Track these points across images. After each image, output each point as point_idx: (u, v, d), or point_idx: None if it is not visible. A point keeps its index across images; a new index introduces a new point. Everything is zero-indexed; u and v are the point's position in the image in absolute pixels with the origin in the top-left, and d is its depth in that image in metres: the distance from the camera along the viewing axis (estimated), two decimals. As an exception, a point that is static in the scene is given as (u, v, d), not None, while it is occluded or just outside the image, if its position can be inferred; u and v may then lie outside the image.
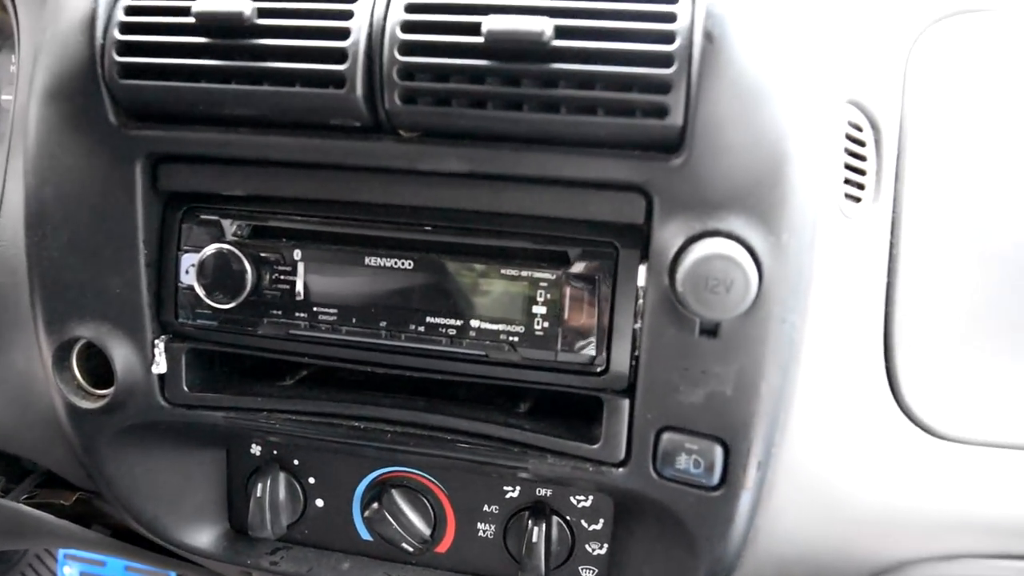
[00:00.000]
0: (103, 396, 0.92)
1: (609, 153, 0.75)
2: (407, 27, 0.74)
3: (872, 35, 0.85)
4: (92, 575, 2.00)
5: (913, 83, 0.85)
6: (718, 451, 0.78)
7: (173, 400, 0.91)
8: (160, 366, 0.90)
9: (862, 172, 0.82)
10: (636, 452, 0.81)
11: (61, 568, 2.02)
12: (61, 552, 2.02)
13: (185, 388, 0.91)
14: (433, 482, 0.97)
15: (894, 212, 0.83)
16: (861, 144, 0.82)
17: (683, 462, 0.79)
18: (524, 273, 0.80)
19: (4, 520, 1.12)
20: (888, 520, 0.84)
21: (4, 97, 1.20)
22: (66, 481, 1.08)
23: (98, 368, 0.93)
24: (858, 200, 0.81)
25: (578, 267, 0.79)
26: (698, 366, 0.76)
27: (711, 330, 0.75)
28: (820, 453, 0.82)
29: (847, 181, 0.80)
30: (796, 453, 0.81)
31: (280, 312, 0.86)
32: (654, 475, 0.81)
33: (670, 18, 0.71)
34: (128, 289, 0.88)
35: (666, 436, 0.79)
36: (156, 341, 0.89)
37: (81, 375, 0.93)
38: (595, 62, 0.71)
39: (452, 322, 0.82)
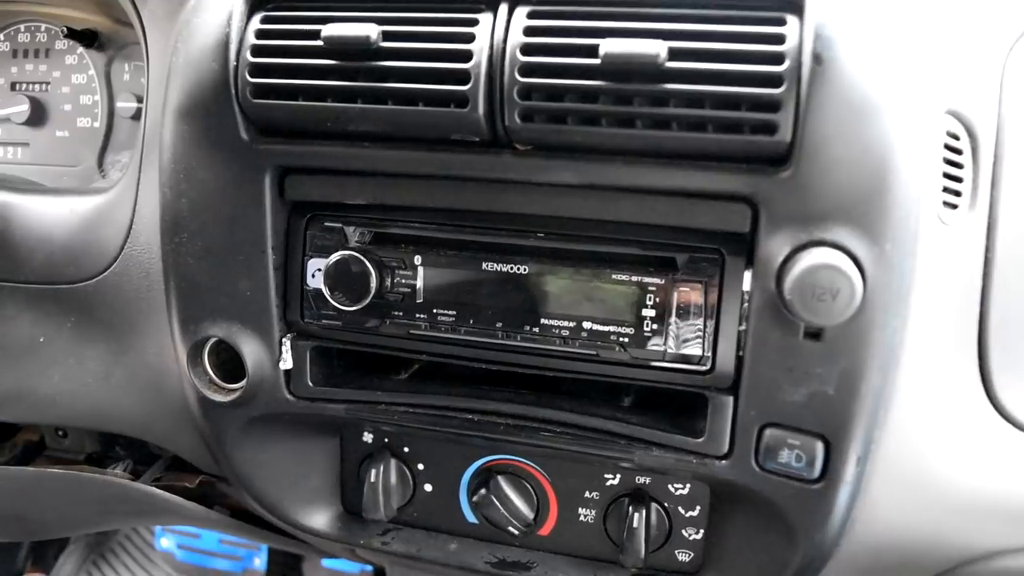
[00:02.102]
0: (234, 390, 0.99)
1: (717, 166, 0.79)
2: (527, 49, 0.79)
3: (968, 43, 0.87)
4: (188, 546, 2.11)
5: (1010, 90, 0.87)
6: (819, 447, 0.82)
7: (298, 394, 0.98)
8: (287, 362, 0.96)
9: (959, 180, 0.84)
10: (739, 446, 0.85)
11: (158, 539, 2.13)
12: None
13: (309, 383, 0.98)
14: (536, 469, 1.02)
15: (990, 218, 0.86)
16: (958, 152, 0.84)
17: (785, 456, 0.83)
18: (634, 278, 0.85)
19: (134, 501, 1.21)
20: (980, 511, 0.87)
21: (120, 104, 1.28)
22: (189, 465, 1.16)
23: (227, 364, 1.00)
24: (955, 207, 0.84)
25: (685, 273, 0.84)
26: (802, 367, 0.80)
27: (815, 333, 0.79)
28: (916, 447, 0.86)
29: (945, 189, 0.83)
30: (893, 447, 0.85)
31: (401, 313, 0.92)
32: (756, 468, 0.85)
33: (779, 40, 0.74)
34: (258, 291, 0.94)
35: (769, 432, 0.84)
36: (283, 339, 0.96)
37: (212, 370, 1.01)
38: (706, 82, 0.75)
39: (565, 323, 0.88)
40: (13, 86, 1.35)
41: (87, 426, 1.16)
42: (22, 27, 1.34)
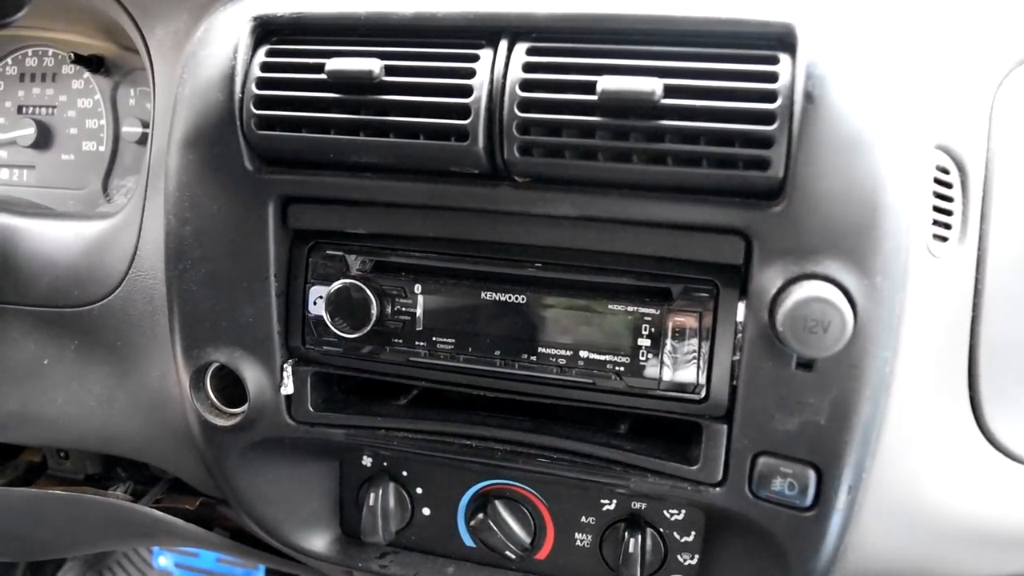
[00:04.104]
0: (236, 415, 1.00)
1: (711, 200, 0.81)
2: (525, 85, 0.81)
3: (958, 78, 0.89)
4: (186, 565, 2.12)
5: (999, 124, 0.89)
6: (812, 475, 0.84)
7: (299, 419, 0.99)
8: (288, 388, 0.98)
9: (949, 213, 0.86)
10: (733, 474, 0.87)
11: (156, 558, 2.14)
12: (157, 543, 2.13)
13: (310, 408, 0.99)
14: (534, 494, 1.04)
15: (979, 250, 0.87)
16: (948, 186, 0.86)
17: (778, 484, 0.85)
18: (629, 308, 0.87)
19: (135, 523, 1.22)
20: (971, 539, 0.89)
21: (125, 129, 1.30)
22: (190, 487, 1.17)
23: (229, 388, 1.01)
24: (945, 240, 0.86)
25: (680, 303, 0.85)
26: (794, 396, 0.82)
27: (807, 363, 0.81)
28: (908, 476, 0.87)
29: (935, 222, 0.85)
30: (885, 475, 0.86)
31: (401, 341, 0.93)
32: (749, 495, 0.87)
33: (772, 78, 0.76)
34: (260, 318, 0.96)
35: (762, 460, 0.85)
36: (285, 365, 0.97)
37: (214, 395, 1.02)
38: (700, 119, 0.77)
39: (562, 352, 0.89)
40: (20, 109, 1.37)
41: (90, 448, 1.17)
42: (29, 51, 1.36)
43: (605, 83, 0.77)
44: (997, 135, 0.89)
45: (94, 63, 1.31)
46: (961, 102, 0.89)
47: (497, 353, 0.91)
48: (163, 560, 2.13)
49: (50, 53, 1.36)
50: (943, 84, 0.88)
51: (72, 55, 1.31)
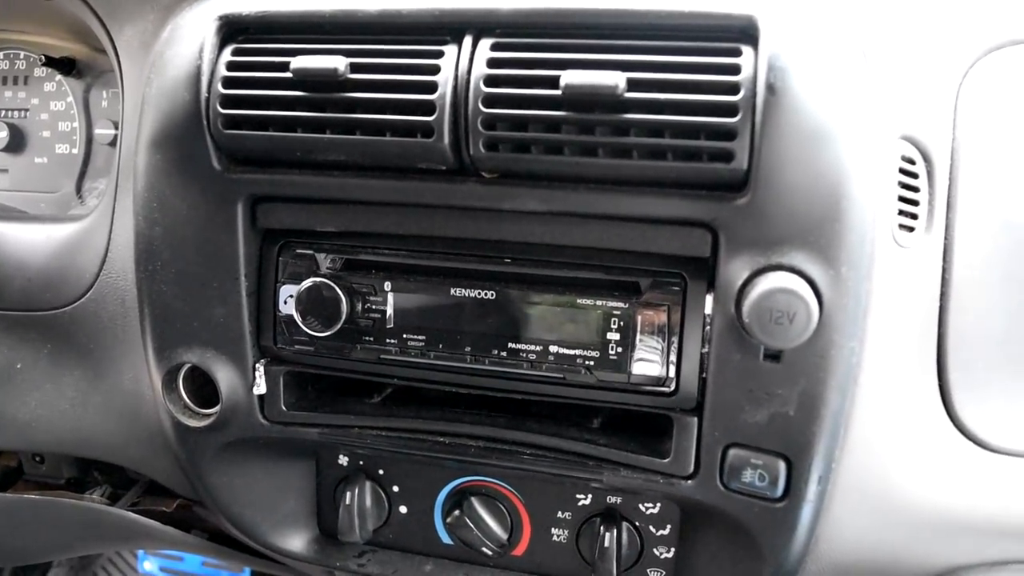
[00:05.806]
0: (208, 415, 1.00)
1: (677, 193, 0.81)
2: (490, 81, 0.81)
3: (923, 69, 0.89)
4: (171, 569, 2.11)
5: (964, 114, 0.89)
6: (782, 466, 0.84)
7: (272, 418, 0.99)
8: (260, 387, 0.98)
9: (915, 203, 0.86)
10: (704, 466, 0.87)
11: (141, 562, 2.13)
12: (141, 548, 2.12)
13: (283, 407, 0.99)
14: (510, 490, 1.04)
15: (946, 240, 0.88)
16: (914, 176, 0.86)
17: (748, 476, 0.85)
18: (598, 302, 0.87)
19: (112, 526, 1.22)
20: (942, 527, 0.89)
21: (97, 131, 1.29)
22: (167, 489, 1.17)
23: (202, 389, 1.01)
24: (912, 230, 0.86)
25: (649, 296, 0.86)
26: (762, 388, 0.82)
27: (775, 355, 0.81)
28: (878, 465, 0.88)
29: (901, 212, 0.85)
30: (856, 465, 0.87)
31: (372, 338, 0.93)
32: (721, 487, 0.87)
33: (734, 70, 0.76)
34: (231, 318, 0.96)
35: (732, 452, 0.85)
36: (257, 365, 0.97)
37: (187, 396, 1.02)
38: (665, 112, 0.77)
39: (532, 347, 0.89)
40: (-8, 113, 1.36)
41: (64, 452, 1.16)
42: (0, 55, 1.35)
43: (568, 78, 0.77)
44: (963, 125, 0.90)
45: (66, 65, 1.31)
46: (927, 92, 0.89)
47: (468, 349, 0.91)
48: (148, 564, 2.13)
49: (22, 56, 1.35)
50: (908, 75, 0.88)
51: (43, 58, 1.30)
